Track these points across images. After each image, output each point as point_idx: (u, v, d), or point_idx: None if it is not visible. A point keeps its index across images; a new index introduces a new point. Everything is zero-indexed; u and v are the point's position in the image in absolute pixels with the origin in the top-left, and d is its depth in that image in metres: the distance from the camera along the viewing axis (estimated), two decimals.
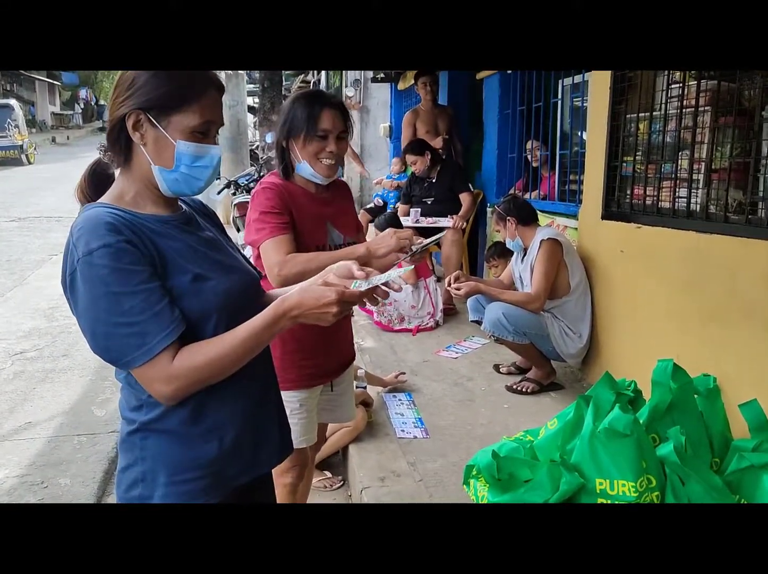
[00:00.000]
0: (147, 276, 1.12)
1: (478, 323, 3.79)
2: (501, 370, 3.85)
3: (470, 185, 5.30)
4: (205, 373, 1.15)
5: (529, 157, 4.82)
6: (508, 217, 3.61)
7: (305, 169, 1.91)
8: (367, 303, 1.27)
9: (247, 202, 6.59)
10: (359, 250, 1.87)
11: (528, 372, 3.68)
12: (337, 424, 2.91)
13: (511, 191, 4.95)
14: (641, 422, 2.27)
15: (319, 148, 1.88)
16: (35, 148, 18.82)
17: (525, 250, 3.67)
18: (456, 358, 4.04)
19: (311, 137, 1.87)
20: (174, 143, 1.18)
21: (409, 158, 5.20)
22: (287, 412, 1.90)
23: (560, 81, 4.48)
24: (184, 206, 1.32)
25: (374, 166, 10.78)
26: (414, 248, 1.82)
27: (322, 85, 13.50)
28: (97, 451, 3.20)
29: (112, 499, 2.90)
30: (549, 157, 4.59)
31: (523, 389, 3.56)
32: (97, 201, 1.22)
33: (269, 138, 8.01)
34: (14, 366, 4.26)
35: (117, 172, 1.28)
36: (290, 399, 1.99)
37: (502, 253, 4.13)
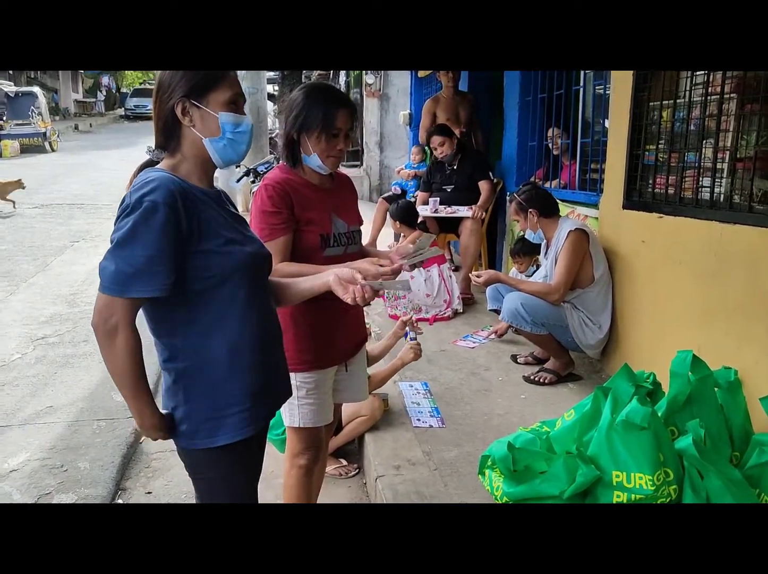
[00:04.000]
0: (165, 239, 1.33)
1: (497, 312, 3.77)
2: (518, 360, 3.82)
3: (491, 174, 5.24)
4: (115, 353, 1.38)
5: (549, 145, 4.75)
6: (530, 209, 3.56)
7: (314, 161, 1.98)
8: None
9: None
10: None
11: (546, 363, 3.66)
12: (354, 413, 2.92)
13: (532, 180, 4.89)
14: (659, 414, 2.24)
15: (331, 145, 1.95)
16: (58, 136, 18.98)
17: (547, 242, 3.63)
18: (473, 347, 4.02)
19: (325, 134, 1.93)
20: (216, 115, 1.46)
21: (436, 140, 5.05)
22: (303, 392, 2.05)
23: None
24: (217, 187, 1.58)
25: (393, 154, 10.75)
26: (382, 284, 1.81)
27: (342, 72, 13.45)
28: (116, 436, 3.24)
29: (130, 483, 2.94)
30: (570, 146, 4.53)
31: (541, 380, 3.53)
32: (156, 167, 1.47)
33: None
34: (36, 351, 4.32)
35: (164, 157, 1.50)
36: (306, 380, 2.05)
37: (529, 250, 4.08)
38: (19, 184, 9.24)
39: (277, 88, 11.67)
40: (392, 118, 10.59)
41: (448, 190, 5.16)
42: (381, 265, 1.86)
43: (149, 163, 1.52)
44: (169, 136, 1.48)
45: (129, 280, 1.33)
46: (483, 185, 5.07)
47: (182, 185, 1.40)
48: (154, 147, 1.53)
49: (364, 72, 10.87)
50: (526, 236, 3.75)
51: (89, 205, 9.67)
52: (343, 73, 13.25)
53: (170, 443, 3.21)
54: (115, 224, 1.38)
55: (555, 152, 4.71)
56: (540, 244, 3.81)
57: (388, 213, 5.05)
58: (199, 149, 1.47)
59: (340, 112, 1.94)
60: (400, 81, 10.42)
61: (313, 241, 1.99)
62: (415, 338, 3.19)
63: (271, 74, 13.99)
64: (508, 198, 5.24)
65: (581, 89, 4.37)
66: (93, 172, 13.15)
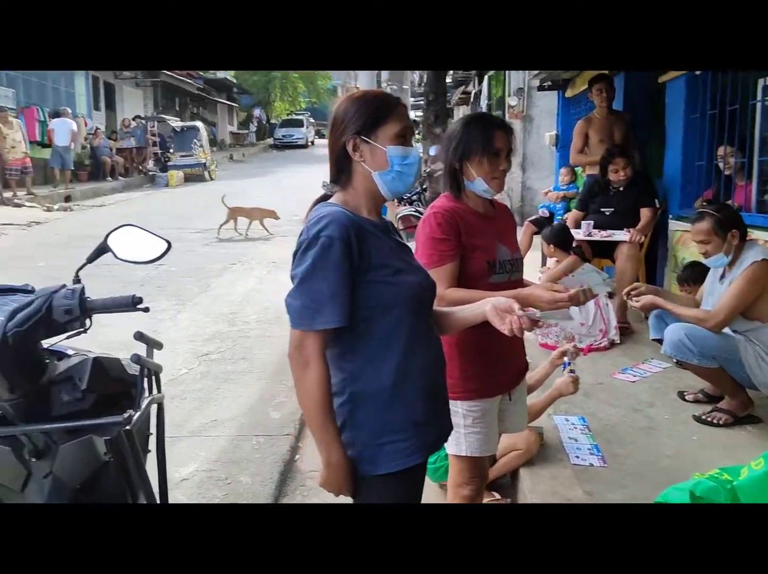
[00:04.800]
0: (342, 272, 1.40)
1: (660, 342, 3.51)
2: (687, 397, 3.52)
3: (656, 200, 4.92)
4: (306, 389, 1.45)
5: (720, 164, 4.40)
6: (733, 230, 3.17)
7: (479, 185, 2.02)
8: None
9: (411, 215, 6.68)
10: (512, 297, 1.94)
11: (719, 401, 3.34)
12: (509, 446, 2.83)
13: (699, 201, 4.55)
14: None
15: (493, 166, 2.00)
16: (216, 166, 20.55)
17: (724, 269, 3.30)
18: (634, 382, 3.77)
19: (487, 156, 1.99)
20: (385, 149, 1.50)
21: (620, 162, 4.79)
22: (469, 421, 2.05)
23: (760, 81, 4.04)
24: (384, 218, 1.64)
25: (536, 175, 10.55)
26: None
27: (483, 95, 13.45)
28: (273, 452, 3.36)
29: (287, 500, 3.03)
30: (746, 165, 4.16)
31: (715, 421, 3.22)
32: (330, 201, 1.55)
33: (433, 151, 8.09)
34: (201, 366, 4.62)
35: (336, 190, 1.59)
36: (473, 408, 2.04)
37: (700, 276, 3.74)
38: (273, 214, 10.00)
39: (419, 113, 11.90)
40: (535, 140, 10.40)
41: (607, 213, 4.91)
42: (555, 291, 1.87)
43: (324, 198, 1.59)
44: (340, 171, 1.55)
45: (314, 315, 1.40)
46: (645, 212, 4.76)
47: (353, 218, 1.46)
48: (328, 181, 1.60)
49: (506, 94, 10.80)
50: (708, 263, 3.37)
51: (245, 230, 10.29)
52: (484, 96, 13.24)
53: None
54: (293, 258, 1.46)
55: (727, 172, 4.35)
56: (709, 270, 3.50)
57: (540, 237, 4.89)
58: (369, 182, 1.53)
59: (498, 133, 2.00)
60: (544, 102, 10.23)
61: (479, 268, 2.02)
62: (574, 371, 3.04)
63: (412, 100, 14.29)
64: (671, 221, 4.91)
65: (759, 103, 4.01)
66: (246, 199, 13.99)
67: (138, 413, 1.68)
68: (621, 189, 4.89)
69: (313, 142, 35.06)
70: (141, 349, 1.83)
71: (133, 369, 1.78)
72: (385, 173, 1.51)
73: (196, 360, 4.75)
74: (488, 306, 1.58)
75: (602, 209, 4.95)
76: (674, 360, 3.61)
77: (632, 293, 3.17)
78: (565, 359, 2.93)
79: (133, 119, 18.80)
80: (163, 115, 21.28)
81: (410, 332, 1.50)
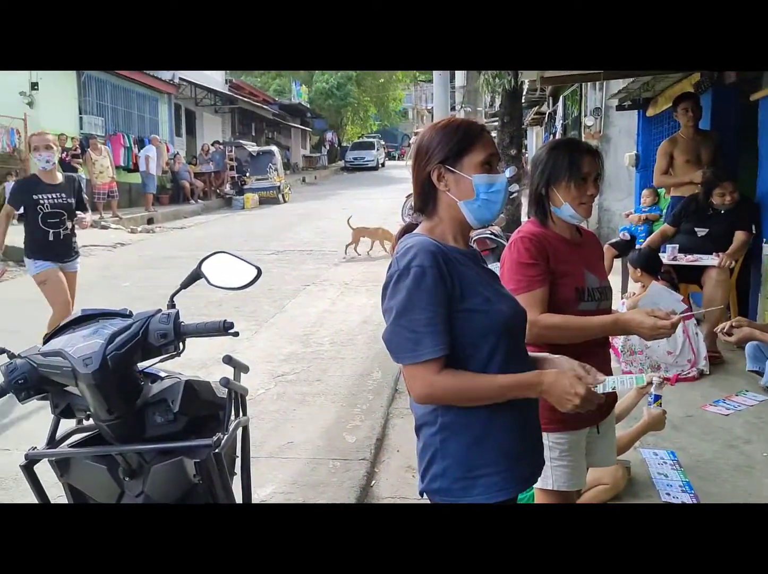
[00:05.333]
0: (437, 300, 1.38)
1: (758, 373, 3.31)
2: None
3: (753, 226, 4.67)
4: (455, 396, 1.42)
5: None
6: None
7: (566, 211, 2.00)
8: None
9: (486, 238, 6.59)
10: (611, 323, 1.97)
11: None
12: (595, 480, 2.71)
13: None
14: None
15: (581, 191, 1.97)
16: (289, 188, 21.05)
17: None
18: (727, 415, 3.56)
19: (574, 181, 1.96)
20: (470, 178, 1.49)
21: (729, 186, 4.60)
22: (555, 454, 1.99)
23: None
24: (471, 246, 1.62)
25: (614, 196, 10.24)
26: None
27: (558, 116, 13.25)
28: (349, 477, 3.33)
29: None
30: None
31: None
32: (415, 231, 1.55)
33: (508, 173, 8.01)
34: (277, 387, 4.67)
35: (422, 220, 1.58)
36: (559, 440, 1.99)
37: None
38: (393, 237, 10.25)
39: (494, 134, 11.84)
40: (612, 160, 10.10)
41: (700, 234, 4.68)
42: (656, 316, 1.82)
43: (409, 227, 1.59)
44: (426, 200, 1.54)
45: (416, 346, 1.39)
46: (739, 235, 4.55)
47: (440, 247, 1.45)
48: (413, 210, 1.60)
49: (582, 114, 10.59)
50: None
51: (317, 251, 10.46)
52: (559, 117, 13.05)
53: (402, 490, 3.22)
54: (384, 291, 1.46)
55: None
56: None
57: (627, 260, 4.72)
58: (455, 211, 1.52)
59: (585, 157, 1.97)
60: (622, 121, 9.95)
61: (568, 295, 1.98)
62: (661, 404, 2.90)
63: (485, 121, 14.21)
64: (765, 245, 4.65)
65: None
66: (318, 220, 14.29)
67: (226, 436, 1.70)
68: (722, 212, 4.67)
69: (383, 164, 35.49)
70: (228, 372, 1.86)
71: (222, 392, 1.80)
72: (471, 202, 1.50)
73: (272, 381, 4.81)
74: (549, 379, 1.47)
75: (696, 229, 4.73)
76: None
77: (732, 327, 2.99)
78: (652, 390, 2.80)
79: (212, 144, 19.54)
80: (240, 140, 22.03)
81: (502, 362, 1.47)
